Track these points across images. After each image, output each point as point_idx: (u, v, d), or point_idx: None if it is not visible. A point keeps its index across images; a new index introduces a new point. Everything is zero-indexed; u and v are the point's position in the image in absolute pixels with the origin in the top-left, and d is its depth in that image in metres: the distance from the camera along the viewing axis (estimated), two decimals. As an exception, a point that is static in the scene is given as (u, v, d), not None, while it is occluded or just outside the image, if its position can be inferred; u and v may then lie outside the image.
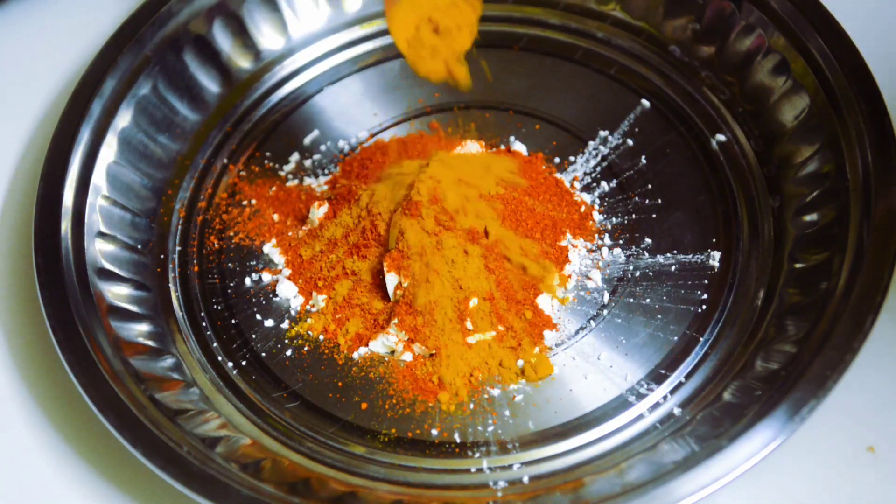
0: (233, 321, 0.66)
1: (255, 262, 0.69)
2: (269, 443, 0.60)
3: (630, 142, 0.71)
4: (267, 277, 0.68)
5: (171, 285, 0.68)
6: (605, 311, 0.64)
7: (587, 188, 0.70)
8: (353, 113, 0.76)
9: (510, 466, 0.58)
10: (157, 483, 0.57)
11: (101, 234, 0.66)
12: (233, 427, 0.60)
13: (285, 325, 0.65)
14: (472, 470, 0.58)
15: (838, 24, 0.67)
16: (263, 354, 0.64)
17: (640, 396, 0.60)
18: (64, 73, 0.79)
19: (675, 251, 0.66)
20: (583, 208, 0.68)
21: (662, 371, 0.61)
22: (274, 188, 0.72)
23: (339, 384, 0.62)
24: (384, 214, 0.65)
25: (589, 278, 0.65)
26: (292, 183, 0.72)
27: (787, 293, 0.62)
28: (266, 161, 0.74)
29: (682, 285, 0.64)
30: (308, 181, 0.72)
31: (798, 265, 0.63)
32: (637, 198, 0.69)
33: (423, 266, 0.62)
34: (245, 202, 0.72)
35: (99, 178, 0.68)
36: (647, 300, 0.64)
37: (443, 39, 0.60)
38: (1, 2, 0.84)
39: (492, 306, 0.62)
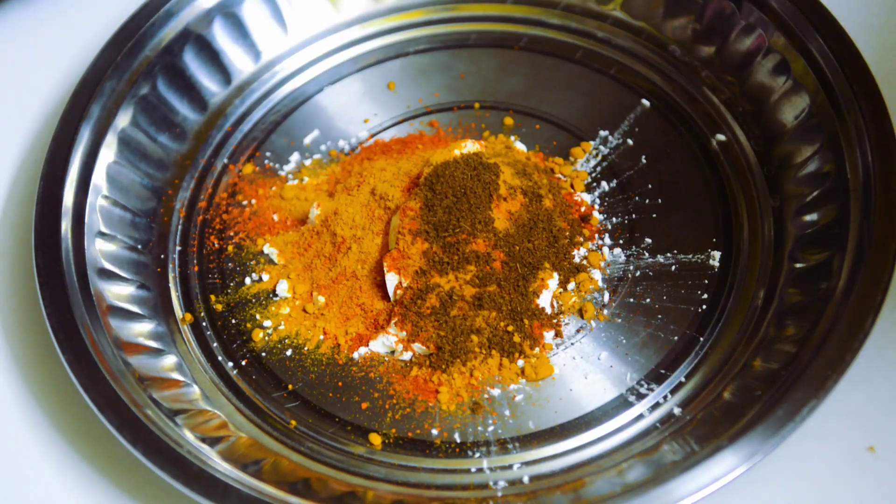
0: (233, 321, 0.66)
1: (254, 262, 0.69)
2: (269, 443, 0.60)
3: (630, 142, 0.71)
4: (267, 277, 0.68)
5: (171, 285, 0.68)
6: (606, 311, 0.64)
7: (588, 188, 0.70)
8: (354, 113, 0.76)
9: (510, 466, 0.58)
10: (157, 483, 0.57)
11: (102, 234, 0.66)
12: (233, 427, 0.60)
13: (285, 324, 0.65)
14: (472, 470, 0.58)
15: (838, 24, 0.67)
16: (263, 354, 0.64)
17: (641, 396, 0.60)
18: (64, 73, 0.79)
19: (675, 251, 0.66)
20: (583, 208, 0.68)
21: (662, 371, 0.61)
22: (274, 188, 0.72)
23: (340, 384, 0.62)
24: (390, 203, 0.65)
25: (590, 278, 0.65)
26: (292, 183, 0.72)
27: (787, 293, 0.62)
28: (266, 161, 0.74)
29: (683, 285, 0.64)
30: (309, 181, 0.72)
31: (798, 265, 0.63)
32: (637, 198, 0.69)
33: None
34: (245, 202, 0.72)
35: (99, 178, 0.68)
36: (648, 300, 0.64)
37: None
38: (1, 2, 0.84)
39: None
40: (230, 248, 0.69)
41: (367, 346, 0.63)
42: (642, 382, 0.61)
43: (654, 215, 0.68)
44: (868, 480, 0.57)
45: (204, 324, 0.66)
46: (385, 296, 0.64)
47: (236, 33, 0.76)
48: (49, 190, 0.66)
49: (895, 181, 0.60)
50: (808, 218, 0.64)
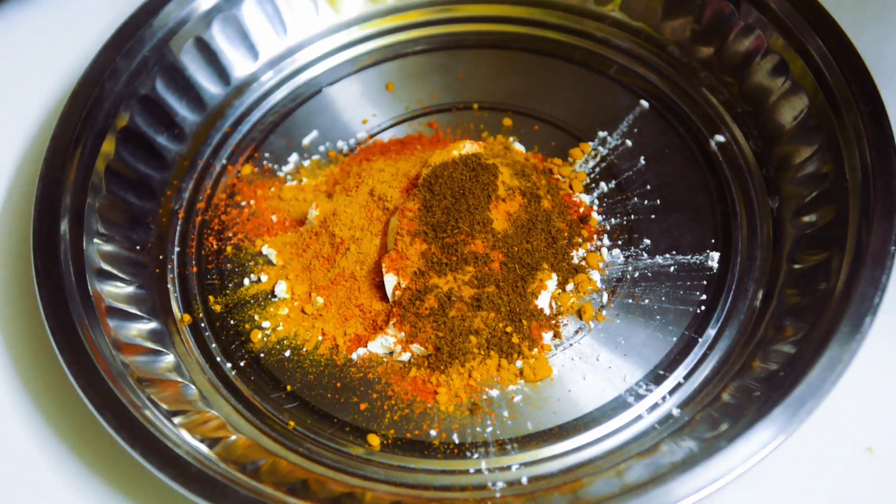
0: (231, 322, 0.66)
1: (253, 263, 0.69)
2: (268, 443, 0.60)
3: (629, 142, 0.71)
4: (265, 278, 0.68)
5: (169, 286, 0.68)
6: (604, 312, 0.64)
7: (586, 189, 0.70)
8: (353, 113, 0.76)
9: (509, 467, 0.58)
10: (155, 483, 0.57)
11: (100, 235, 0.66)
12: (231, 427, 0.60)
13: (283, 325, 0.65)
14: (471, 471, 0.58)
15: (837, 24, 0.67)
16: (262, 355, 0.64)
17: (639, 397, 0.60)
18: (64, 73, 0.79)
19: (673, 252, 0.66)
20: (582, 209, 0.68)
21: (661, 372, 0.61)
22: (273, 189, 0.72)
23: (338, 385, 0.62)
24: (389, 204, 0.65)
25: (589, 279, 0.65)
26: (291, 184, 0.72)
27: (786, 293, 0.62)
28: (265, 161, 0.74)
29: (681, 286, 0.64)
30: (307, 181, 0.72)
31: (797, 265, 0.63)
32: (636, 198, 0.69)
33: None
34: (244, 203, 0.72)
35: (98, 178, 0.68)
36: (646, 301, 0.64)
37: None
38: (1, 2, 0.84)
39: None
40: (229, 248, 0.69)
41: (366, 346, 0.63)
42: (641, 383, 0.61)
43: (653, 216, 0.68)
44: (868, 480, 0.57)
45: (202, 324, 0.66)
46: (383, 297, 0.64)
47: (235, 34, 0.76)
48: (48, 190, 0.66)
49: (894, 182, 0.60)
50: (806, 218, 0.64)
